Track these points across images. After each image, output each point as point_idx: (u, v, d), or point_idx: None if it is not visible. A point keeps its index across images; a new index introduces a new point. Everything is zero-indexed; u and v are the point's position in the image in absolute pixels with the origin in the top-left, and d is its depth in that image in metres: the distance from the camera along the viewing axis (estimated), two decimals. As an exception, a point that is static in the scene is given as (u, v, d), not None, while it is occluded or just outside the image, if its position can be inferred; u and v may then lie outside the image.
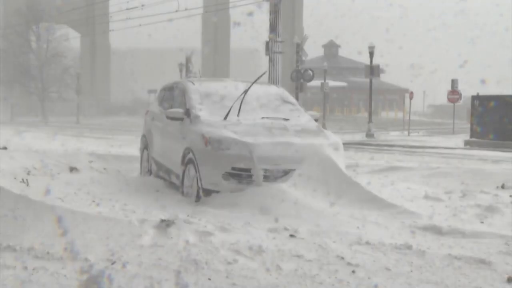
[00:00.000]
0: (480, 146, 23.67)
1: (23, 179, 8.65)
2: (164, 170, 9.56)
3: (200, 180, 7.85)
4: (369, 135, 32.94)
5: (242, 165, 7.73)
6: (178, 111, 8.92)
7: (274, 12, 20.03)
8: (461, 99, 37.40)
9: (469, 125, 26.86)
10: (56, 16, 58.37)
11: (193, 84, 9.52)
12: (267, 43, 20.37)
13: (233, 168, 7.75)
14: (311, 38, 31.23)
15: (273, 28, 20.08)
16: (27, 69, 60.79)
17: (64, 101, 60.72)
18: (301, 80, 29.43)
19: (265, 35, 20.90)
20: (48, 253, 5.12)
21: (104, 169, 11.69)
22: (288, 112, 9.14)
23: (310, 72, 29.11)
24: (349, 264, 5.11)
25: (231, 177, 7.75)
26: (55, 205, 6.43)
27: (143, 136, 11.05)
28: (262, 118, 8.66)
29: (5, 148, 14.07)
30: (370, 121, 33.69)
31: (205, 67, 63.16)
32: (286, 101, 9.51)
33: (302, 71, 29.28)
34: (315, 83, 41.60)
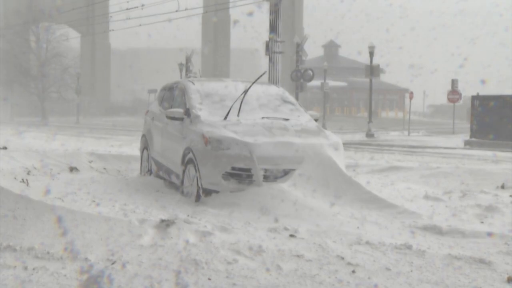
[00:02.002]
0: (480, 146, 23.69)
1: (23, 179, 8.66)
2: (164, 170, 9.56)
3: (200, 180, 7.85)
4: (369, 135, 32.95)
5: (242, 165, 7.73)
6: (178, 111, 8.92)
7: (274, 12, 20.01)
8: (461, 99, 37.44)
9: (469, 125, 26.87)
10: (56, 16, 58.32)
11: (193, 84, 9.52)
12: (267, 43, 20.35)
13: (233, 168, 7.75)
14: (311, 38, 31.21)
15: (273, 28, 20.05)
16: (27, 69, 60.78)
17: (64, 101, 60.72)
18: (301, 80, 29.43)
19: (265, 35, 20.89)
20: (48, 253, 5.12)
21: (104, 169, 11.70)
22: (288, 112, 9.13)
23: (310, 72, 29.09)
24: (349, 264, 5.12)
25: (231, 177, 7.74)
26: (55, 205, 6.44)
27: (143, 136, 11.05)
28: (262, 118, 8.66)
29: (5, 148, 14.10)
30: (370, 121, 33.70)
31: (205, 67, 63.16)
32: (286, 101, 9.50)
33: (302, 71, 29.27)
34: (315, 83, 41.64)
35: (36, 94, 60.15)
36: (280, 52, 20.25)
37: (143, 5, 33.44)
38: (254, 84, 9.08)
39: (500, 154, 18.76)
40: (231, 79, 10.17)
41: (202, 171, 7.85)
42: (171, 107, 9.55)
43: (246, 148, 7.75)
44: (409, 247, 5.64)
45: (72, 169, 11.10)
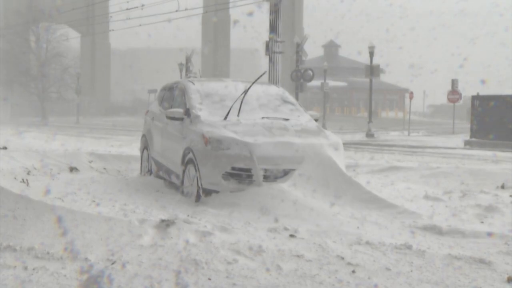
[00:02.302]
0: (480, 146, 23.68)
1: (23, 179, 8.66)
2: (164, 170, 9.56)
3: (200, 180, 7.85)
4: (369, 135, 32.95)
5: (242, 165, 7.73)
6: (178, 111, 8.93)
7: (274, 12, 20.01)
8: (461, 99, 37.45)
9: (469, 125, 26.86)
10: (56, 16, 58.31)
11: (193, 84, 9.52)
12: (267, 43, 20.35)
13: (233, 168, 7.75)
14: (311, 38, 31.19)
15: (273, 28, 20.06)
16: (27, 69, 60.76)
17: (64, 101, 60.72)
18: (301, 80, 29.41)
19: (265, 35, 20.88)
20: (48, 253, 5.12)
21: (104, 169, 11.70)
22: (288, 112, 9.14)
23: (310, 72, 29.08)
24: (349, 264, 5.12)
25: (231, 177, 7.74)
26: (55, 205, 6.44)
27: (143, 136, 11.05)
28: (262, 118, 8.66)
29: (5, 148, 14.10)
30: (370, 121, 33.71)
31: (205, 67, 63.17)
32: (286, 101, 9.51)
33: (302, 71, 29.25)
34: (315, 83, 41.63)
35: (36, 94, 60.13)
36: (280, 52, 20.24)
37: (143, 5, 33.44)
38: (254, 84, 9.08)
39: (500, 154, 18.76)
40: (231, 79, 10.17)
41: (202, 171, 7.85)
42: (171, 107, 9.55)
43: (246, 148, 7.75)
44: (409, 247, 5.64)
45: (72, 169, 11.10)
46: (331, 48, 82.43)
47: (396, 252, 5.52)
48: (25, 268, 4.78)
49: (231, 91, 9.18)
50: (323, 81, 43.94)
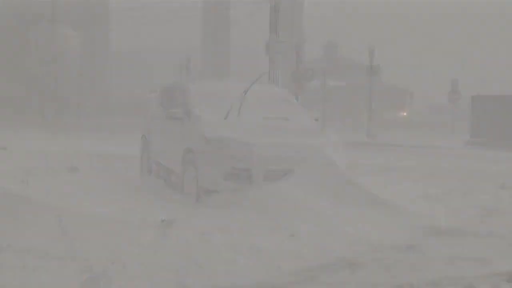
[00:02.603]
0: (480, 146, 23.67)
1: (23, 179, 8.67)
2: (164, 170, 9.56)
3: (200, 180, 7.85)
4: (369, 135, 32.95)
5: (242, 165, 7.73)
6: (178, 111, 8.93)
7: (274, 12, 20.02)
8: (461, 99, 37.48)
9: (469, 125, 26.85)
10: (56, 16, 58.28)
11: (193, 84, 9.53)
12: (267, 43, 20.35)
13: (233, 168, 7.75)
14: (311, 38, 31.22)
15: (273, 28, 20.07)
16: (27, 69, 60.73)
17: (64, 101, 60.68)
18: (301, 80, 29.40)
19: (265, 35, 20.88)
20: (48, 253, 5.12)
21: (104, 169, 11.69)
22: (288, 112, 9.14)
23: (310, 72, 29.07)
24: (349, 264, 5.12)
25: (231, 177, 7.75)
26: (55, 205, 6.44)
27: (143, 136, 11.04)
28: (263, 118, 8.66)
29: (5, 148, 14.10)
30: (370, 121, 33.72)
31: (205, 67, 63.11)
32: (286, 101, 9.51)
33: (302, 71, 29.24)
34: (315, 83, 41.61)
35: (36, 94, 60.09)
36: (281, 52, 20.24)
37: (143, 5, 33.46)
38: (255, 85, 9.07)
39: (500, 154, 18.76)
40: (232, 80, 10.19)
41: (202, 171, 7.85)
42: (171, 107, 9.55)
43: (246, 148, 7.75)
44: (409, 247, 5.64)
45: (72, 169, 11.09)
46: (331, 48, 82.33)
47: (396, 252, 5.52)
48: (25, 268, 4.78)
49: (231, 91, 9.18)
50: (323, 81, 43.93)
